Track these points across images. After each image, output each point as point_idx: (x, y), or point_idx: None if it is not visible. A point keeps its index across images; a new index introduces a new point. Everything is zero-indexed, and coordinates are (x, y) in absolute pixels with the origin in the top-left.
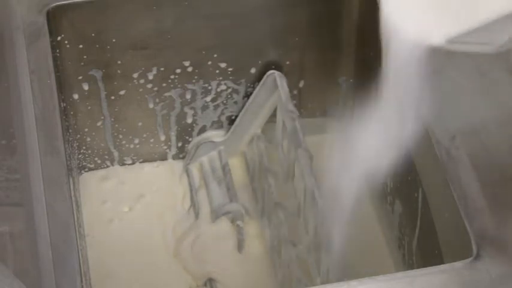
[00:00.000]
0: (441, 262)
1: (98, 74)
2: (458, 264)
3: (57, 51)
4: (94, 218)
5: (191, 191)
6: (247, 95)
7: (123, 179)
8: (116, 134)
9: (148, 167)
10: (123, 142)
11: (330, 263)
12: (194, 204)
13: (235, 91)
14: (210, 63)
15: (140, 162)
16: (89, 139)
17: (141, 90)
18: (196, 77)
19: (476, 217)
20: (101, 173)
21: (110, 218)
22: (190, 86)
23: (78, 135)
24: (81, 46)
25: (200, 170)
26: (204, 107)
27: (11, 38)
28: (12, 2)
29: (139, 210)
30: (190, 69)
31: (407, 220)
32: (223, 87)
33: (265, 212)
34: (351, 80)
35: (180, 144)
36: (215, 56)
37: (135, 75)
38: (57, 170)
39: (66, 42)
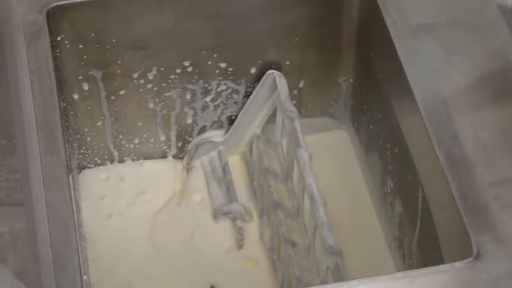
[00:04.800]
0: (441, 262)
1: (98, 74)
2: (458, 264)
3: (57, 51)
4: (93, 214)
5: (191, 190)
6: (247, 95)
7: (123, 176)
8: (116, 133)
9: (148, 165)
10: (123, 142)
11: (330, 262)
12: (194, 204)
13: (235, 91)
14: (210, 63)
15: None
16: (89, 139)
17: (141, 90)
18: (196, 77)
19: (476, 217)
20: (100, 170)
21: (109, 215)
22: (190, 86)
23: (78, 135)
24: (81, 46)
25: (200, 170)
26: (204, 107)
27: (11, 38)
28: (12, 2)
29: (138, 207)
30: (190, 69)
31: (407, 220)
32: (223, 87)
33: (265, 211)
34: (351, 80)
35: (180, 144)
36: (215, 56)
37: (135, 75)
38: (57, 170)
39: (66, 42)
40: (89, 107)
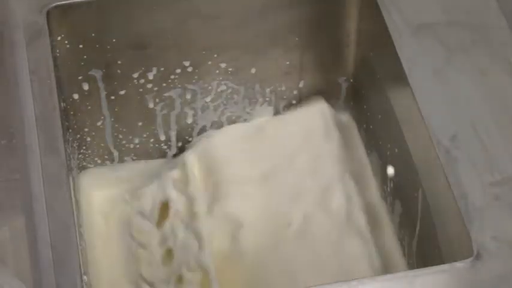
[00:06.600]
0: (441, 262)
1: (98, 74)
2: (458, 264)
3: (57, 51)
4: (93, 214)
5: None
6: (247, 96)
7: (123, 176)
8: (116, 133)
9: (148, 165)
10: (123, 142)
11: None
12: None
13: (235, 91)
14: (210, 63)
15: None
16: (89, 139)
17: (141, 90)
18: (196, 77)
19: (476, 217)
20: (100, 170)
21: (109, 214)
22: (190, 86)
23: (78, 135)
24: (81, 46)
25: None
26: (204, 107)
27: (11, 38)
28: (12, 2)
29: (138, 207)
30: (190, 69)
31: (407, 220)
32: (223, 87)
33: None
34: (351, 80)
35: (180, 144)
36: (215, 56)
37: (135, 75)
38: (57, 170)
39: (66, 42)
40: (89, 107)
